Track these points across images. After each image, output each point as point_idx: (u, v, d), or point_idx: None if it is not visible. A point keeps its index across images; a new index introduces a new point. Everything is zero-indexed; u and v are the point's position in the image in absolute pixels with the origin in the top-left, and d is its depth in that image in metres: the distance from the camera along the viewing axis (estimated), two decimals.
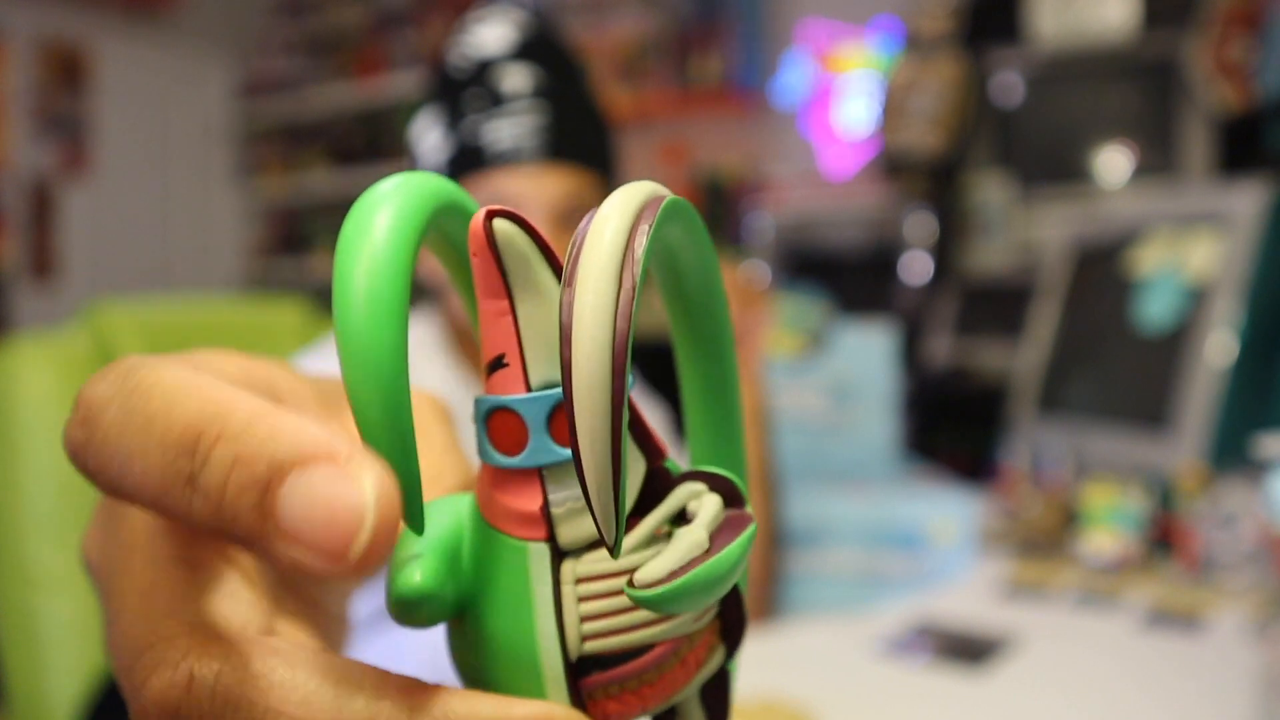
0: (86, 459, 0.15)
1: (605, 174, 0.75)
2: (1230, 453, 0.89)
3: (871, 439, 1.08)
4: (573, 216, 0.72)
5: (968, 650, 0.68)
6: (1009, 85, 2.02)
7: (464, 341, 0.79)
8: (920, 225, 2.08)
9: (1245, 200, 0.97)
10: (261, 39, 3.69)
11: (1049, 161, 2.01)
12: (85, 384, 0.15)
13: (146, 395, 0.14)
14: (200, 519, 0.14)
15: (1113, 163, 1.94)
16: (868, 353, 1.08)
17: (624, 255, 0.13)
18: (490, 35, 0.74)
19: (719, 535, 0.15)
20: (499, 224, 0.15)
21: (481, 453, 0.15)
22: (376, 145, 3.48)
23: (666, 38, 2.83)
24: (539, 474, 0.15)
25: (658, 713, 0.16)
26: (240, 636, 0.15)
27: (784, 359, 1.07)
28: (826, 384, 1.08)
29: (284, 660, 0.14)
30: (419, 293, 0.85)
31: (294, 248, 3.65)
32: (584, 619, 0.15)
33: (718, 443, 0.19)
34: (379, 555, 0.13)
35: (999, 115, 2.04)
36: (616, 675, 0.15)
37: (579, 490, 0.15)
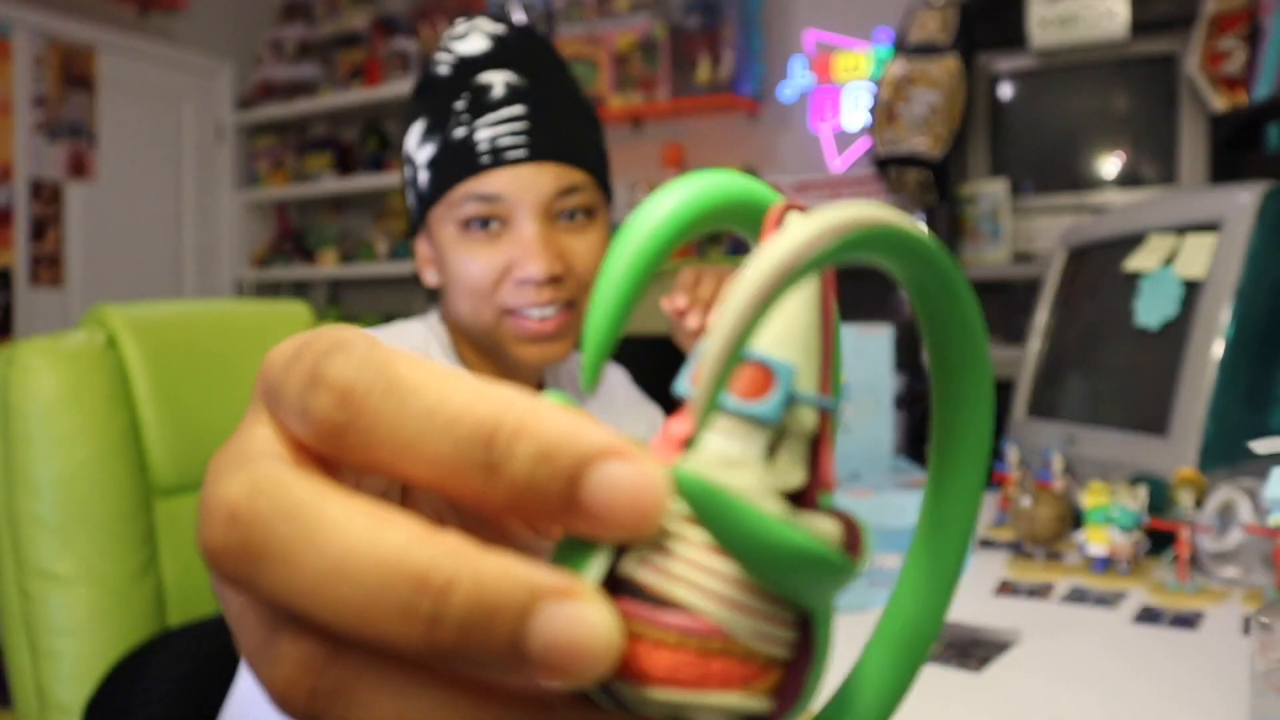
0: (346, 439, 0.16)
1: (592, 170, 0.76)
2: (1225, 453, 0.90)
3: (871, 439, 1.09)
4: (562, 213, 0.74)
5: (967, 650, 0.68)
6: (1005, 88, 2.03)
7: (463, 341, 0.80)
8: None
9: (1240, 202, 0.97)
10: (265, 43, 3.70)
11: (1046, 163, 2.02)
12: (325, 365, 0.16)
13: (416, 388, 0.15)
14: (495, 501, 0.15)
15: (1109, 164, 1.94)
16: (868, 353, 1.09)
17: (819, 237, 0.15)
18: (471, 44, 0.76)
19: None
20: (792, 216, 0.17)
21: (678, 386, 0.17)
22: (379, 149, 3.49)
23: (666, 42, 2.84)
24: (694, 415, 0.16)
25: (665, 704, 0.15)
26: (309, 471, 0.16)
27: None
28: None
29: (339, 490, 0.15)
30: (419, 293, 0.86)
31: (298, 250, 3.66)
32: (649, 547, 0.15)
33: (930, 533, 0.19)
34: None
35: (995, 118, 2.05)
36: (636, 611, 0.15)
37: (730, 443, 0.16)
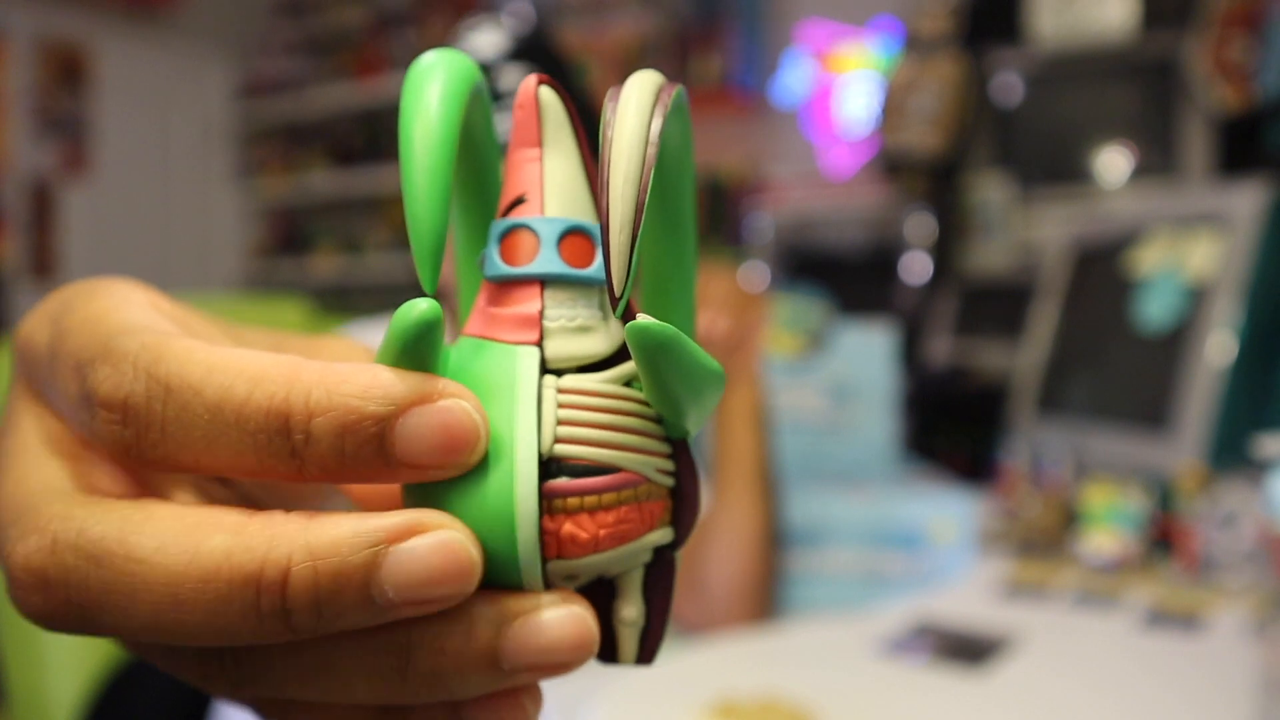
0: (141, 451, 0.15)
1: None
2: (1230, 452, 0.89)
3: (871, 439, 1.08)
4: None
5: (967, 650, 0.68)
6: (1009, 85, 2.02)
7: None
8: (920, 225, 2.08)
9: (1245, 200, 0.97)
10: (262, 39, 3.69)
11: (1049, 161, 2.01)
12: (93, 380, 0.15)
13: (194, 386, 0.14)
14: (313, 478, 0.15)
15: (1112, 163, 1.94)
16: (868, 353, 1.08)
17: (652, 108, 0.16)
18: (484, 41, 0.76)
19: None
20: (544, 89, 0.18)
21: (490, 268, 0.17)
22: (376, 145, 3.47)
23: (666, 37, 2.83)
24: (541, 287, 0.17)
25: (605, 562, 0.16)
26: (100, 498, 0.15)
27: (784, 359, 1.07)
28: (826, 384, 1.08)
29: (141, 511, 0.14)
30: (415, 291, 0.86)
31: (294, 248, 3.65)
32: (560, 423, 0.16)
33: (670, 301, 0.20)
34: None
35: (999, 115, 2.04)
36: (578, 486, 0.16)
37: (574, 311, 0.17)
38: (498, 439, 0.15)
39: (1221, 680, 0.62)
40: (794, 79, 2.68)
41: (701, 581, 0.81)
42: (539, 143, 0.17)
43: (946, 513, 0.89)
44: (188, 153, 3.53)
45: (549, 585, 0.16)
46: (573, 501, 0.16)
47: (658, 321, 0.15)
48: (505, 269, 0.17)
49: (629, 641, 0.17)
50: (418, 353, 0.15)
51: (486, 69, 0.75)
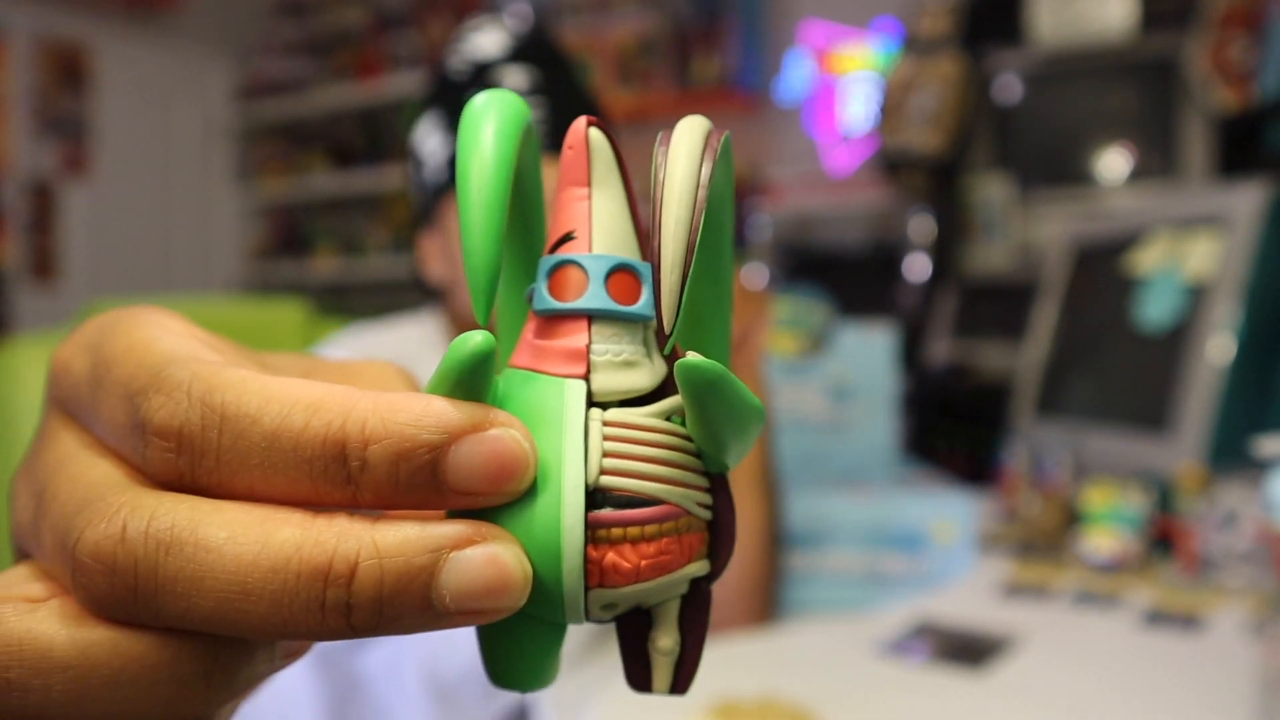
0: (196, 479, 0.15)
1: None
2: (1230, 453, 0.89)
3: (871, 439, 1.08)
4: None
5: (967, 650, 0.68)
6: (1009, 85, 2.02)
7: None
8: (920, 225, 2.08)
9: (1245, 200, 0.97)
10: (262, 39, 3.69)
11: (1049, 161, 2.01)
12: (147, 409, 0.15)
13: (251, 415, 0.15)
14: (366, 505, 0.15)
15: (1112, 163, 1.94)
16: (868, 353, 1.09)
17: (702, 154, 0.17)
18: (486, 41, 0.76)
19: None
20: (594, 131, 0.18)
21: (539, 303, 0.18)
22: (376, 145, 3.48)
23: (666, 37, 2.83)
24: (588, 322, 0.17)
25: (644, 592, 0.17)
26: (168, 492, 0.15)
27: (784, 359, 1.07)
28: (826, 384, 1.08)
29: (209, 502, 0.15)
30: (416, 292, 0.86)
31: (294, 248, 3.65)
32: (606, 454, 0.16)
33: (708, 336, 0.21)
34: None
35: (999, 115, 2.04)
36: (622, 518, 0.16)
37: (620, 346, 0.17)
38: (545, 468, 0.16)
39: (1221, 680, 0.62)
40: (794, 79, 2.68)
41: None
42: (587, 182, 0.18)
43: (947, 513, 0.89)
44: (188, 153, 3.53)
45: (588, 614, 0.17)
46: (616, 532, 0.16)
47: (707, 360, 0.16)
48: (554, 304, 0.17)
49: (663, 670, 0.18)
50: (471, 383, 0.16)
51: (489, 68, 0.75)
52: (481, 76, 0.75)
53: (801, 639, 0.72)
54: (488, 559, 0.15)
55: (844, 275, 2.15)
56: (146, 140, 3.36)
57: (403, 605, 0.14)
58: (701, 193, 0.16)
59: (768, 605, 0.82)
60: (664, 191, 0.16)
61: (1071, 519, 0.95)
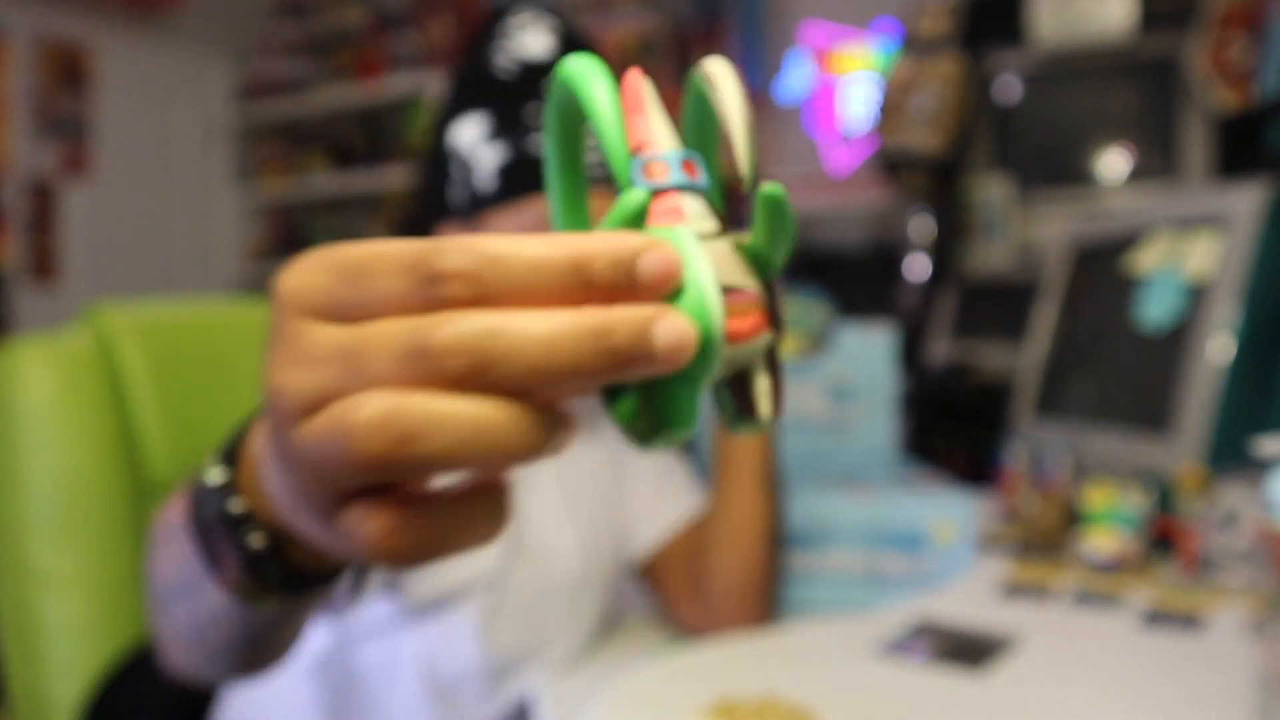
0: (486, 303, 0.22)
1: None
2: (1229, 453, 0.89)
3: (872, 439, 1.08)
4: None
5: (968, 650, 0.68)
6: (1009, 85, 2.02)
7: None
8: (920, 225, 2.08)
9: (1245, 200, 0.97)
10: (262, 39, 3.69)
11: (1049, 161, 2.01)
12: (439, 264, 0.22)
13: (513, 254, 0.22)
14: (593, 299, 0.22)
15: (1112, 163, 1.94)
16: (868, 353, 1.09)
17: (733, 73, 0.26)
18: (536, 44, 0.74)
19: None
20: (641, 75, 0.27)
21: (643, 184, 0.25)
22: (376, 145, 3.48)
23: (666, 37, 2.83)
24: (678, 193, 0.25)
25: (749, 349, 0.24)
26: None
27: (784, 359, 1.07)
28: (827, 384, 1.08)
29: (506, 310, 0.22)
30: None
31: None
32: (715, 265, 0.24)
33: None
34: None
35: (999, 115, 2.04)
36: (735, 298, 0.24)
37: (696, 206, 0.25)
38: (692, 275, 0.23)
39: (1221, 680, 0.62)
40: (794, 79, 2.68)
41: (706, 582, 0.81)
42: (644, 106, 0.26)
43: (947, 513, 0.89)
44: (188, 153, 3.53)
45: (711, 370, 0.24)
46: (734, 307, 0.24)
47: (779, 185, 0.23)
48: (655, 183, 0.25)
49: (765, 403, 0.26)
50: (637, 223, 0.24)
51: (540, 70, 0.73)
52: (533, 79, 0.73)
53: (801, 639, 0.72)
54: (677, 321, 0.22)
55: (844, 275, 2.15)
56: (146, 140, 3.36)
57: (638, 350, 0.22)
58: (745, 98, 0.25)
59: (768, 604, 0.82)
60: (724, 95, 0.25)
61: (1071, 519, 0.95)
